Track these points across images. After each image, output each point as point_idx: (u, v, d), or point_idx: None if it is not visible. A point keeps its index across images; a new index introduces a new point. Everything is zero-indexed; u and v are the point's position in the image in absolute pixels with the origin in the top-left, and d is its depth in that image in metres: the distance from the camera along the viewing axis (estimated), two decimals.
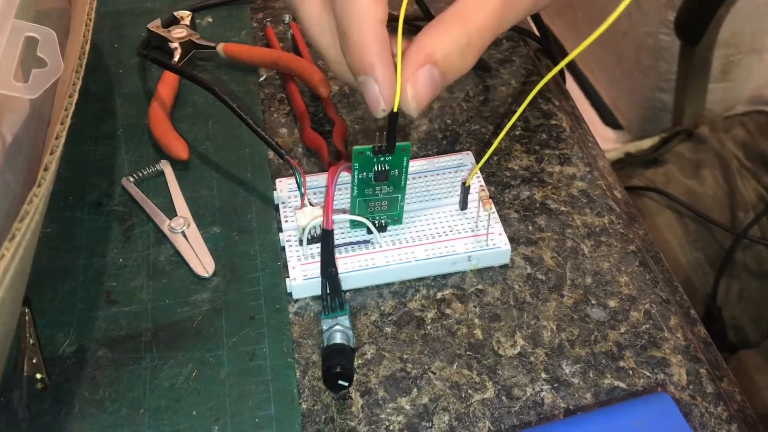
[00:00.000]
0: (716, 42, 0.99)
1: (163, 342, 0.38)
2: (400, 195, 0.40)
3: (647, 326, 0.38)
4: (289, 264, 0.40)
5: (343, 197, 0.42)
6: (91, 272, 0.41)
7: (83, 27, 0.38)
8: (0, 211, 0.32)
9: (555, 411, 0.35)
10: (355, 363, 0.36)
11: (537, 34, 0.56)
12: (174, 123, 0.49)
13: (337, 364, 0.34)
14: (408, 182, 0.39)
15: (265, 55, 0.53)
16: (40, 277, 0.40)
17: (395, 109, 0.33)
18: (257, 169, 0.46)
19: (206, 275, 0.40)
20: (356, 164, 0.38)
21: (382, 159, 0.38)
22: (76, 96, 0.35)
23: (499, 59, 0.54)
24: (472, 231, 0.41)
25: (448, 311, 0.39)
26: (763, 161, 0.81)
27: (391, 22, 0.33)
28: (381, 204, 0.40)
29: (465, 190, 0.41)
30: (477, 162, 0.45)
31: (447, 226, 0.41)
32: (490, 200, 0.40)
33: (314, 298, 0.39)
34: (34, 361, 0.36)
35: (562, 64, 0.34)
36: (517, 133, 0.48)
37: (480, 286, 0.40)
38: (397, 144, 0.37)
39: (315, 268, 0.39)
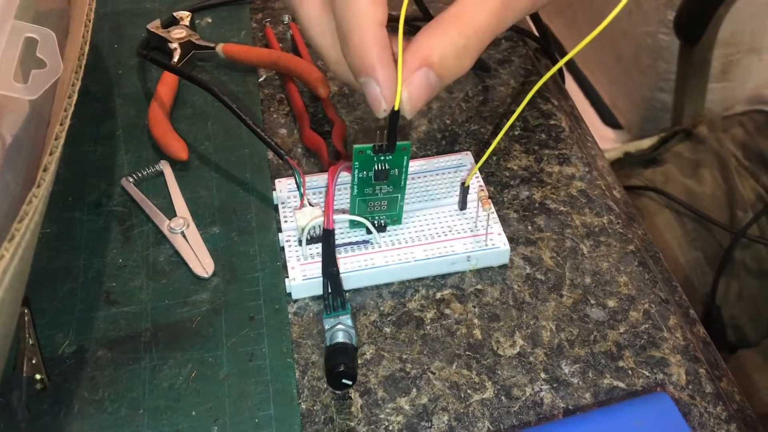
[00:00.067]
0: (716, 41, 0.99)
1: (162, 342, 0.38)
2: (399, 195, 0.40)
3: (646, 326, 0.38)
4: (288, 264, 0.40)
5: (342, 197, 0.42)
6: (91, 273, 0.41)
7: (82, 28, 0.38)
8: None
9: (554, 411, 0.35)
10: None
11: (536, 34, 0.56)
12: (173, 123, 0.49)
13: (341, 363, 0.34)
14: (407, 182, 0.39)
15: (264, 55, 0.53)
16: (39, 278, 0.40)
17: (396, 108, 0.33)
18: (257, 169, 0.46)
19: (206, 275, 0.40)
20: (356, 163, 0.38)
21: (382, 158, 0.38)
22: (75, 97, 0.35)
23: (498, 59, 0.54)
24: (471, 231, 0.41)
25: (447, 311, 0.39)
26: (762, 161, 0.81)
27: (391, 23, 0.33)
28: (381, 204, 0.40)
29: (464, 190, 0.41)
30: (476, 162, 0.45)
31: (446, 226, 0.41)
32: (489, 200, 0.40)
33: (314, 298, 0.39)
34: (33, 361, 0.36)
35: (560, 63, 0.34)
36: (516, 133, 0.48)
37: (479, 286, 0.40)
38: (397, 143, 0.37)
39: (314, 269, 0.39)
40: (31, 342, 0.37)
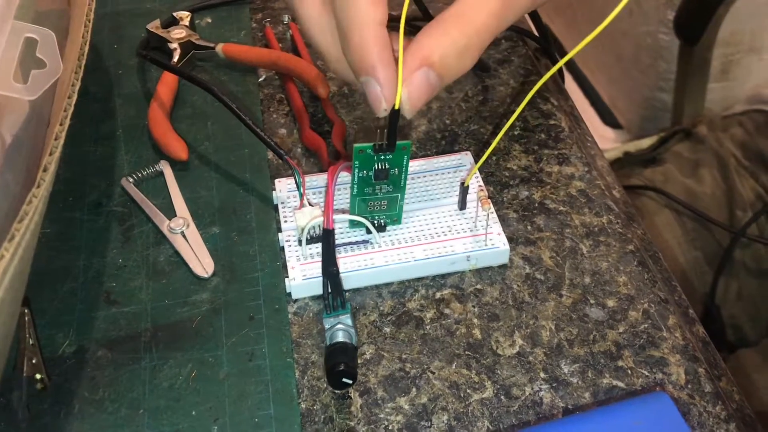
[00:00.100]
0: (715, 41, 0.99)
1: (162, 342, 0.38)
2: (399, 194, 0.40)
3: (646, 326, 0.38)
4: (288, 264, 0.40)
5: (342, 197, 0.42)
6: (91, 273, 0.41)
7: (82, 28, 0.39)
8: None
9: (554, 410, 0.35)
10: None
11: (536, 33, 0.56)
12: (173, 123, 0.49)
13: (341, 362, 0.34)
14: (407, 182, 0.39)
15: (264, 55, 0.53)
16: (39, 278, 0.40)
17: (396, 107, 0.33)
18: (256, 169, 0.46)
19: (205, 275, 0.40)
20: (356, 162, 0.38)
21: (382, 157, 0.38)
22: (75, 97, 0.35)
23: (498, 59, 0.54)
24: (471, 231, 0.41)
25: (447, 311, 0.39)
26: (761, 160, 0.81)
27: (391, 23, 0.33)
28: (380, 203, 0.40)
29: (464, 190, 0.41)
30: (476, 162, 0.45)
31: (446, 226, 0.41)
32: (489, 200, 0.40)
33: (313, 298, 0.40)
34: (33, 361, 0.36)
35: (559, 64, 0.35)
36: (516, 133, 0.48)
37: (479, 286, 0.40)
38: (397, 142, 0.37)
39: (314, 268, 0.39)
40: (31, 342, 0.37)
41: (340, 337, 0.35)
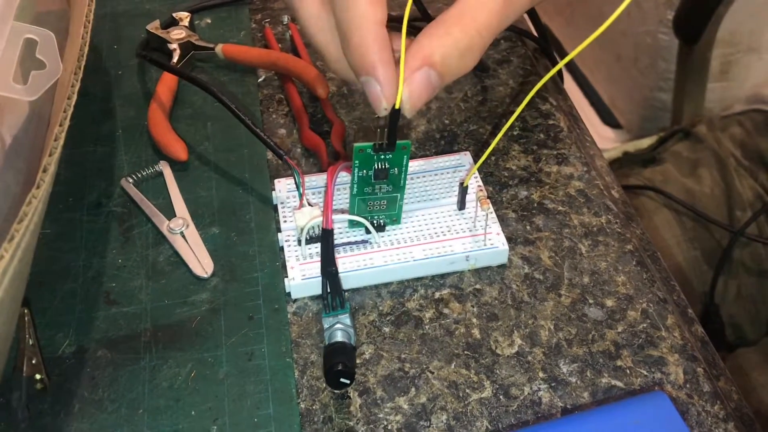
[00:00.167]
0: (715, 41, 0.99)
1: (162, 342, 0.38)
2: (399, 194, 0.40)
3: (644, 325, 0.38)
4: (287, 264, 0.40)
5: (342, 197, 0.42)
6: (91, 273, 0.41)
7: (82, 29, 0.39)
8: None
9: (552, 410, 0.35)
10: None
11: (535, 34, 0.56)
12: (173, 124, 0.49)
13: (339, 362, 0.34)
14: (406, 182, 0.39)
15: (263, 55, 0.53)
16: (39, 278, 0.40)
17: (397, 106, 0.33)
18: (256, 169, 0.46)
19: (205, 275, 0.40)
20: (356, 162, 0.38)
21: (382, 157, 0.38)
22: (74, 98, 0.35)
23: (497, 59, 0.54)
24: (470, 231, 0.41)
25: (446, 311, 0.39)
26: (761, 160, 0.81)
27: (392, 23, 0.33)
28: (380, 203, 0.40)
29: (463, 190, 0.41)
30: (475, 162, 0.45)
31: (445, 226, 0.41)
32: (488, 200, 0.40)
33: (313, 297, 0.40)
34: (33, 361, 0.36)
35: (559, 66, 0.35)
36: (515, 133, 0.48)
37: (478, 286, 0.40)
38: (397, 142, 0.37)
39: (314, 268, 0.39)
40: (31, 342, 0.37)
41: (339, 337, 0.35)
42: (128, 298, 0.40)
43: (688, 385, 0.36)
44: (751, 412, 0.36)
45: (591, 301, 0.39)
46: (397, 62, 0.33)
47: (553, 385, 0.36)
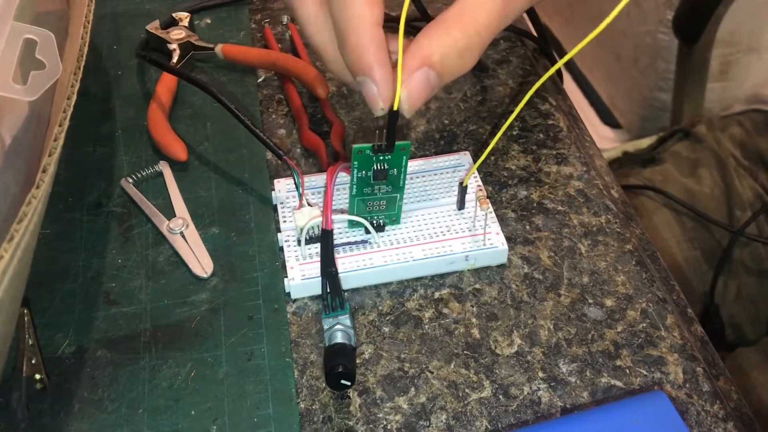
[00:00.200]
0: (714, 41, 0.99)
1: (161, 342, 0.38)
2: (398, 195, 0.40)
3: (644, 325, 0.38)
4: (287, 264, 0.40)
5: (341, 197, 0.42)
6: (91, 273, 0.41)
7: (81, 29, 0.39)
8: None
9: (552, 410, 0.35)
10: None
11: (534, 34, 0.56)
12: (173, 124, 0.49)
13: (340, 364, 0.34)
14: (406, 182, 0.39)
15: (263, 56, 0.53)
16: (39, 278, 0.40)
17: (395, 108, 0.33)
18: (255, 169, 0.46)
19: (205, 275, 0.40)
20: (355, 163, 0.38)
21: (381, 158, 0.38)
22: (74, 98, 0.35)
23: (497, 59, 0.54)
24: (470, 231, 0.41)
25: (445, 311, 0.39)
26: (760, 160, 0.81)
27: (390, 23, 0.33)
28: (380, 204, 0.40)
29: (462, 190, 0.41)
30: (474, 162, 0.45)
31: (444, 225, 0.41)
32: (488, 200, 0.40)
33: (312, 297, 0.40)
34: (33, 361, 0.36)
35: (558, 65, 0.35)
36: (515, 132, 0.49)
37: (477, 286, 0.40)
38: (396, 143, 0.37)
39: (313, 268, 0.39)
40: (30, 342, 0.37)
41: (339, 338, 0.35)
42: (128, 298, 0.40)
43: (687, 385, 0.36)
44: (750, 411, 0.36)
45: (590, 300, 0.39)
46: (394, 64, 0.33)
47: (552, 384, 0.36)
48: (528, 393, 0.36)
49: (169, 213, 0.44)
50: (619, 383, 0.36)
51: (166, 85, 0.51)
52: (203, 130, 0.49)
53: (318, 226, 0.40)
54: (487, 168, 0.46)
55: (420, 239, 0.41)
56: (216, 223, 0.43)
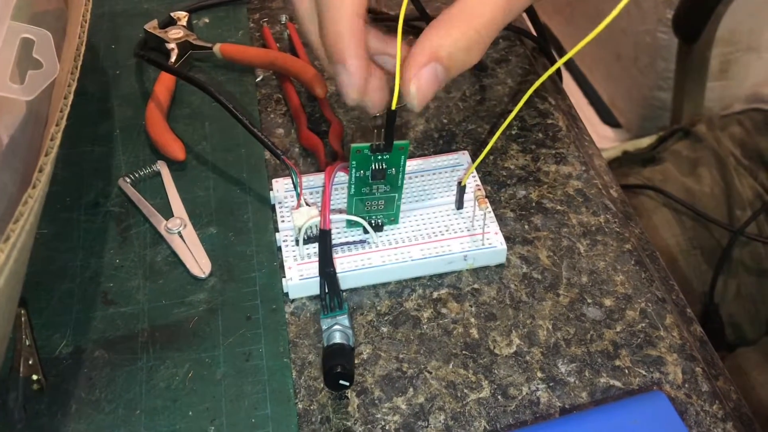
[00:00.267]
0: (714, 40, 0.99)
1: (159, 342, 0.38)
2: (397, 194, 0.40)
3: (643, 325, 0.38)
4: (285, 264, 0.40)
5: (340, 197, 0.42)
6: (88, 273, 0.41)
7: (78, 28, 0.39)
8: None
9: (551, 410, 0.35)
10: None
11: (534, 33, 0.56)
12: (171, 124, 0.49)
13: (338, 364, 0.34)
14: (404, 182, 0.39)
15: (261, 55, 0.53)
16: (37, 278, 0.40)
17: (393, 107, 0.33)
18: (254, 169, 0.46)
19: (203, 276, 0.40)
20: (354, 162, 0.38)
21: (379, 157, 0.38)
22: (71, 98, 0.35)
23: (496, 59, 0.54)
24: (468, 230, 0.41)
25: (444, 311, 0.39)
26: (760, 159, 0.81)
27: (389, 22, 0.33)
28: (378, 203, 0.40)
29: (461, 189, 0.41)
30: (473, 161, 0.45)
31: (443, 225, 0.41)
32: (486, 199, 0.40)
33: (311, 298, 0.40)
34: (30, 362, 0.36)
35: (557, 65, 0.35)
36: (513, 132, 0.48)
37: (476, 286, 0.40)
38: (395, 142, 0.37)
39: (311, 268, 0.39)
40: (28, 343, 0.37)
41: (338, 339, 0.35)
42: (126, 298, 0.40)
43: (686, 385, 0.36)
44: (749, 411, 0.36)
45: (589, 300, 0.39)
46: (392, 64, 0.33)
47: (551, 385, 0.36)
48: (527, 393, 0.35)
49: (167, 213, 0.44)
50: (618, 383, 0.36)
51: (164, 84, 0.51)
52: (201, 129, 0.49)
53: (316, 226, 0.40)
54: (485, 167, 0.46)
55: (418, 239, 0.40)
56: (214, 222, 0.43)
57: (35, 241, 0.33)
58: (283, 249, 0.40)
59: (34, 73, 0.34)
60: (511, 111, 0.36)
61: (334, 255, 0.39)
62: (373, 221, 0.41)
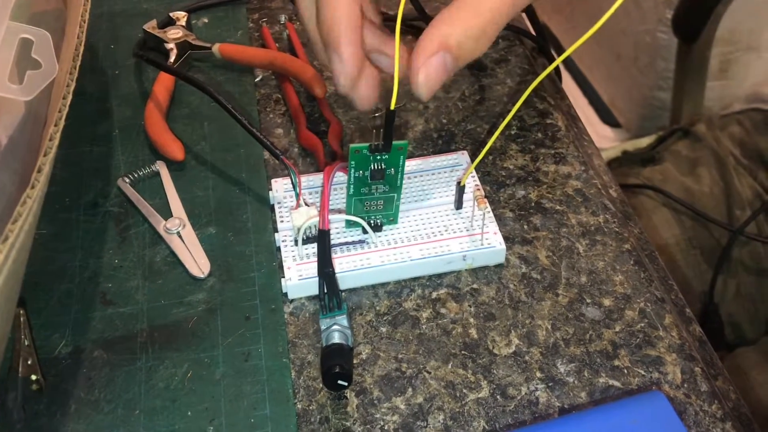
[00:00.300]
0: (714, 40, 0.99)
1: (158, 343, 0.38)
2: (396, 194, 0.40)
3: (642, 325, 0.38)
4: (284, 264, 0.40)
5: (339, 197, 0.42)
6: (87, 273, 0.41)
7: (77, 28, 0.39)
8: None
9: (550, 410, 0.35)
10: None
11: (533, 32, 0.56)
12: (170, 124, 0.49)
13: (337, 364, 0.34)
14: (403, 182, 0.39)
15: (260, 55, 0.53)
16: (36, 278, 0.40)
17: (392, 107, 0.33)
18: (253, 169, 0.46)
19: (201, 276, 0.40)
20: (352, 162, 0.38)
21: (378, 157, 0.38)
22: (70, 98, 0.35)
23: (495, 58, 0.54)
24: (467, 230, 0.41)
25: (443, 311, 0.39)
26: (760, 159, 0.81)
27: (387, 22, 0.33)
28: (377, 203, 0.40)
29: (460, 189, 0.41)
30: (472, 161, 0.44)
31: (442, 225, 0.41)
32: (485, 199, 0.40)
33: (310, 298, 0.40)
34: (29, 362, 0.36)
35: (554, 64, 0.35)
36: (513, 132, 0.48)
37: (475, 286, 0.40)
38: (393, 143, 0.37)
39: (310, 268, 0.39)
40: (26, 343, 0.37)
41: (336, 339, 0.35)
42: (125, 298, 0.40)
43: (685, 385, 0.36)
44: (749, 411, 0.36)
45: (588, 300, 0.39)
46: (386, 64, 0.33)
47: (550, 384, 0.36)
48: (526, 393, 0.35)
49: (166, 213, 0.43)
50: (617, 383, 0.36)
51: (163, 84, 0.51)
52: (200, 129, 0.49)
53: (315, 226, 0.40)
54: (485, 167, 0.46)
55: (417, 239, 0.40)
56: (213, 223, 0.43)
57: (34, 241, 0.33)
58: (282, 249, 0.40)
59: (32, 73, 0.34)
60: (510, 111, 0.36)
61: (333, 255, 0.39)
62: (372, 221, 0.40)
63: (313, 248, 0.40)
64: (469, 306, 0.39)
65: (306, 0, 0.36)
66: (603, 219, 0.43)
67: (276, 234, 0.41)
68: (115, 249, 0.42)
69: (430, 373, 0.36)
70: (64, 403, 0.35)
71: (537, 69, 0.53)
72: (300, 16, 0.37)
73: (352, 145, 0.37)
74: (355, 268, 0.39)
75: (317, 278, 0.38)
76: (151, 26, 0.55)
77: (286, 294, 0.39)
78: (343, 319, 0.36)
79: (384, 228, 0.41)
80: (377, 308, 0.39)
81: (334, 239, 0.40)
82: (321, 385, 0.36)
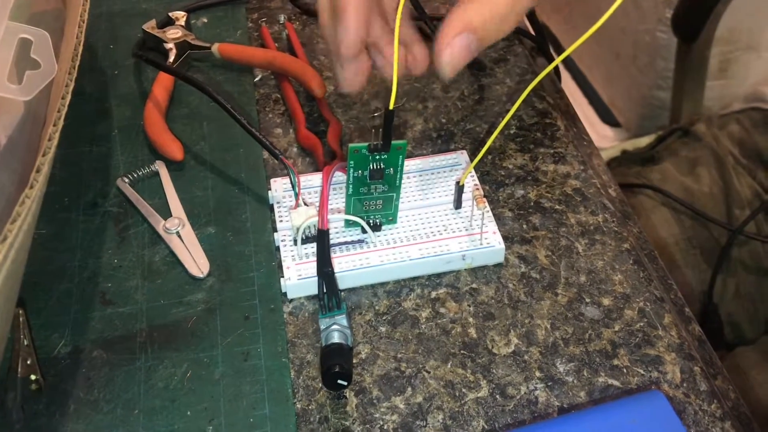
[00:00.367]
0: (713, 39, 0.99)
1: (157, 342, 0.38)
2: (395, 194, 0.40)
3: (641, 324, 0.38)
4: (283, 264, 0.40)
5: (338, 197, 0.42)
6: (86, 273, 0.41)
7: (76, 28, 0.39)
8: None
9: (549, 409, 0.35)
10: None
11: (532, 32, 0.56)
12: (169, 124, 0.49)
13: (336, 364, 0.34)
14: (402, 181, 0.39)
15: (260, 55, 0.53)
16: (35, 278, 0.40)
17: (391, 107, 0.33)
18: (252, 169, 0.46)
19: (201, 275, 0.40)
20: (351, 162, 0.38)
21: (377, 157, 0.38)
22: (68, 98, 0.35)
23: (494, 58, 0.54)
24: (467, 230, 0.41)
25: (442, 310, 0.39)
26: (759, 158, 0.81)
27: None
28: (376, 203, 0.40)
29: (459, 189, 0.41)
30: (471, 161, 0.44)
31: (441, 225, 0.41)
32: (485, 199, 0.40)
33: (309, 297, 0.40)
34: (28, 362, 0.36)
35: (553, 64, 0.35)
36: (512, 131, 0.48)
37: (474, 285, 0.40)
38: (393, 142, 0.37)
39: (310, 268, 0.39)
40: (26, 343, 0.37)
41: (336, 338, 0.35)
42: (124, 298, 0.40)
43: (685, 384, 0.36)
44: (748, 410, 0.36)
45: (588, 300, 0.39)
46: (381, 62, 0.34)
47: (549, 384, 0.36)
48: (525, 393, 0.35)
49: (166, 213, 0.43)
50: (616, 383, 0.36)
51: (162, 84, 0.51)
52: (200, 129, 0.49)
53: (314, 226, 0.40)
54: (484, 167, 0.46)
55: (417, 239, 0.40)
56: (212, 222, 0.43)
57: (33, 241, 0.33)
58: (282, 249, 0.40)
59: (31, 73, 0.34)
60: (509, 110, 0.36)
61: (333, 255, 0.39)
62: (371, 221, 0.41)
63: (312, 248, 0.40)
64: (469, 305, 0.39)
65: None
66: (602, 218, 0.43)
67: (275, 234, 0.41)
68: (114, 249, 0.42)
69: (429, 372, 0.36)
70: (63, 403, 0.35)
71: (536, 69, 0.53)
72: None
73: (351, 145, 0.37)
74: (354, 267, 0.39)
75: (316, 278, 0.38)
76: (150, 26, 0.55)
77: (285, 294, 0.39)
78: (342, 319, 0.36)
79: (383, 227, 0.41)
80: (376, 308, 0.39)
81: (333, 239, 0.40)
82: (320, 384, 0.36)
